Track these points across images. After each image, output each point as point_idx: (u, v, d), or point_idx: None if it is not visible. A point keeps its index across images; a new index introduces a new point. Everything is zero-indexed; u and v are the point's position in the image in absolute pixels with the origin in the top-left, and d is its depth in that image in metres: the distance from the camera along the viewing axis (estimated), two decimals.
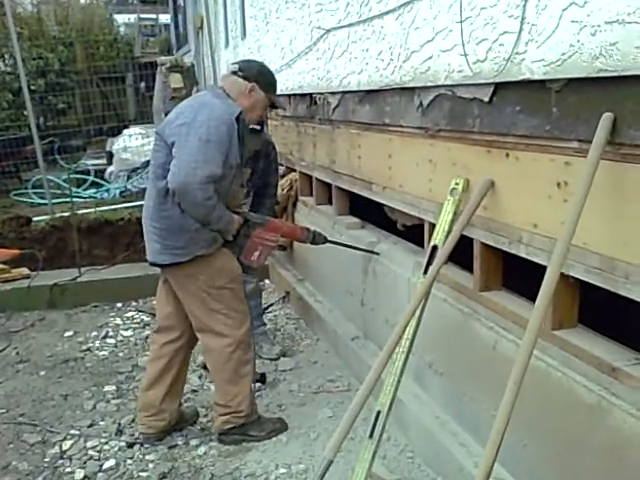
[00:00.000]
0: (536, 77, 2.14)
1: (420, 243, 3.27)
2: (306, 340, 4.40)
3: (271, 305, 5.03)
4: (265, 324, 4.38)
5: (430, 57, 2.81)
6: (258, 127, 3.20)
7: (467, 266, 2.81)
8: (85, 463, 3.02)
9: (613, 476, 1.90)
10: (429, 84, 2.85)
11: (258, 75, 3.01)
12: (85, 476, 2.92)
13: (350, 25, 3.72)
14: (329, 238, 3.57)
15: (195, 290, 2.95)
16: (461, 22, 2.51)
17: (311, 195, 4.99)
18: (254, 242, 3.14)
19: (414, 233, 3.40)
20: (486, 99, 2.46)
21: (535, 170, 2.23)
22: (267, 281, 5.68)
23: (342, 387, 3.65)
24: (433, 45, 2.77)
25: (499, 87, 2.39)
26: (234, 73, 3.01)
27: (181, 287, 3.00)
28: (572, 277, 2.11)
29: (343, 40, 3.87)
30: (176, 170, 2.72)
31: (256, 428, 3.12)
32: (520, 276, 2.56)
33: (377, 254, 3.64)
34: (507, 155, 2.39)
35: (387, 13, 3.20)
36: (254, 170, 3.91)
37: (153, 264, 3.02)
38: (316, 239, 3.50)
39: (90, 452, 3.10)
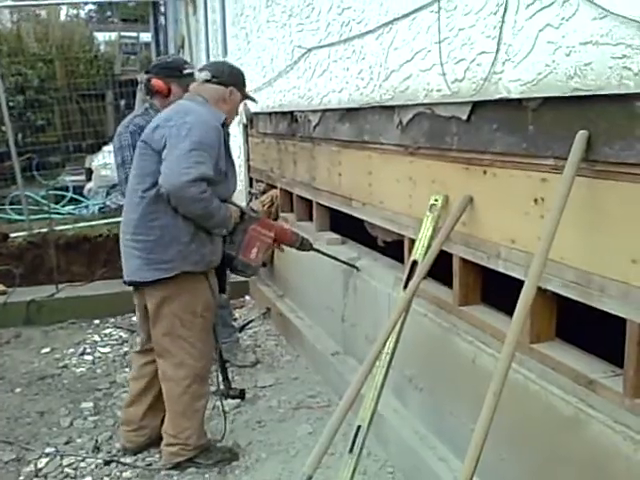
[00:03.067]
0: (513, 96, 2.19)
1: (400, 259, 3.31)
2: (286, 356, 4.39)
3: (251, 321, 5.02)
4: (236, 330, 4.42)
5: (409, 76, 2.86)
6: None
7: (447, 282, 2.84)
8: None
9: None
10: (408, 102, 2.90)
11: (232, 77, 3.00)
12: None
13: (331, 45, 3.78)
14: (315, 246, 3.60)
15: (167, 313, 2.86)
16: (439, 43, 2.57)
17: (292, 211, 5.01)
18: (252, 236, 3.08)
19: (394, 249, 3.43)
20: (464, 117, 2.51)
21: (512, 187, 2.28)
22: (247, 297, 5.68)
23: (322, 403, 3.64)
24: (412, 65, 2.83)
25: (477, 106, 2.45)
26: (208, 81, 2.94)
27: (155, 308, 2.88)
28: (549, 291, 2.15)
29: (324, 59, 3.93)
30: (168, 171, 2.66)
31: (203, 457, 3.05)
32: (500, 292, 2.59)
33: (357, 269, 3.66)
34: (485, 172, 2.44)
35: (367, 33, 3.25)
36: None
37: (131, 283, 2.92)
38: (304, 244, 3.52)
39: (66, 470, 3.05)
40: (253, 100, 3.36)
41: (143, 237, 2.80)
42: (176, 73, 3.59)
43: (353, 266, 3.68)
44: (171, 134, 2.72)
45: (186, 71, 3.64)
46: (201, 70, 3.04)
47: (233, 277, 3.79)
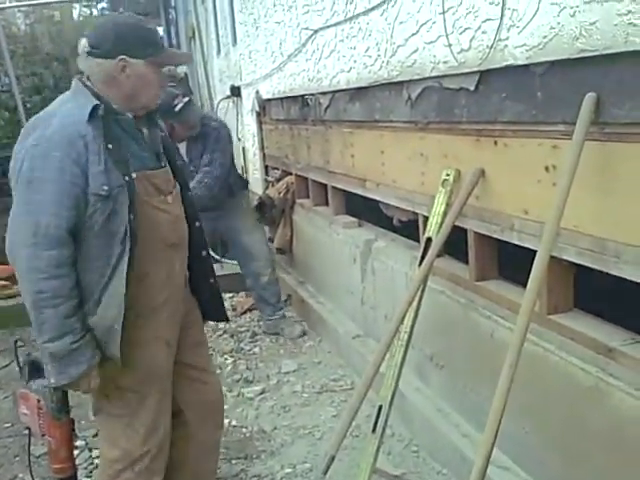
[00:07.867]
0: (519, 62, 2.14)
1: (417, 239, 3.27)
2: (309, 342, 4.39)
3: None
4: (282, 308, 4.58)
5: (416, 50, 2.81)
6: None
7: (465, 258, 2.80)
8: (91, 472, 3.00)
9: (614, 456, 1.89)
10: (416, 77, 2.86)
11: (119, 42, 1.99)
12: None
13: (337, 24, 3.73)
14: None
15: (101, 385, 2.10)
16: (444, 13, 2.52)
17: (308, 197, 4.99)
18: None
19: (411, 229, 3.40)
20: (472, 88, 2.46)
21: (523, 155, 2.23)
22: None
23: (345, 386, 3.64)
24: (418, 38, 2.78)
25: (484, 75, 2.39)
26: (89, 54, 2.03)
27: None
28: (565, 261, 2.11)
29: (331, 39, 3.88)
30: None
31: None
32: (519, 266, 2.55)
33: None
34: (495, 143, 2.39)
35: (372, 9, 3.21)
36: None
37: None
38: None
39: (96, 461, 3.07)
40: (174, 64, 2.30)
41: None
42: (171, 113, 3.58)
43: None
44: (12, 175, 1.97)
45: (178, 107, 3.60)
46: (83, 37, 2.18)
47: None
